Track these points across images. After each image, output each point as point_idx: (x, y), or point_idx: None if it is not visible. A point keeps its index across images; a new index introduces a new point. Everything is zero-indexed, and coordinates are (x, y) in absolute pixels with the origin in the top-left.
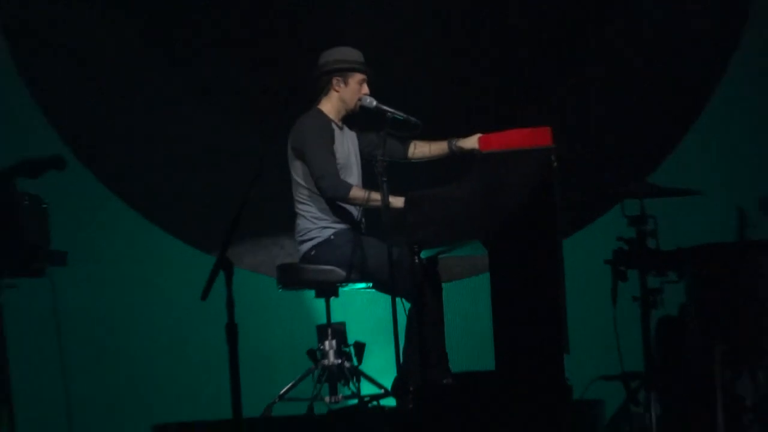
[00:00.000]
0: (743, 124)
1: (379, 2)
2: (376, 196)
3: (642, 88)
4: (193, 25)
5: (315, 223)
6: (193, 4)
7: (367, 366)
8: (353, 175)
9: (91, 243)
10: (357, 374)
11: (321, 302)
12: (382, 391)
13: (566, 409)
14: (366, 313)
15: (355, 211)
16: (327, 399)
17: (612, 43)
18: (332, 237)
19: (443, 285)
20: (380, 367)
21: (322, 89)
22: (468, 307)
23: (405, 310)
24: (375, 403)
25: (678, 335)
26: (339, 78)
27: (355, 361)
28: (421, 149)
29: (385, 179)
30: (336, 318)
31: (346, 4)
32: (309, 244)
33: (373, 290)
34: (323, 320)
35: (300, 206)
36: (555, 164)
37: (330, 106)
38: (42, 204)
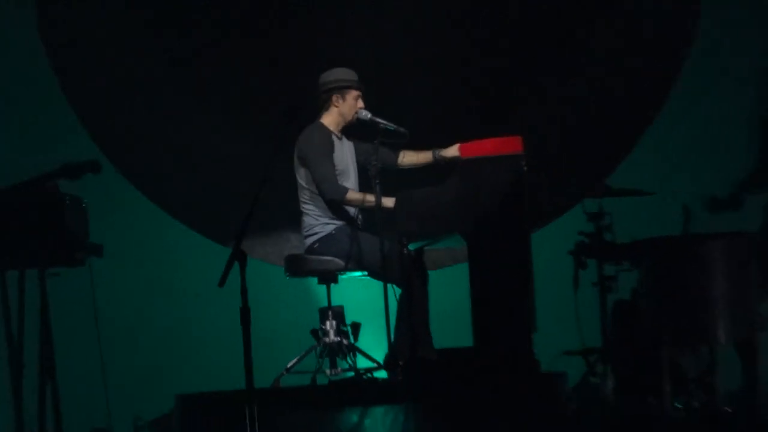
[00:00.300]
0: (690, 131)
1: (379, 7)
2: (370, 197)
3: (601, 99)
4: (217, 46)
5: (318, 220)
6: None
7: (363, 343)
8: (350, 180)
9: (124, 236)
10: (353, 350)
11: (323, 288)
12: (376, 365)
13: (534, 380)
14: (362, 297)
15: (352, 210)
16: (328, 372)
17: (577, 60)
18: (333, 232)
19: (429, 273)
20: (374, 344)
21: (323, 105)
22: (450, 292)
23: (395, 295)
24: (369, 375)
25: (631, 316)
26: (338, 95)
27: (352, 339)
28: (409, 158)
29: (378, 182)
30: (335, 302)
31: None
32: (313, 238)
33: (368, 278)
34: (324, 303)
35: (304, 206)
36: (525, 168)
37: (330, 119)
38: (82, 203)
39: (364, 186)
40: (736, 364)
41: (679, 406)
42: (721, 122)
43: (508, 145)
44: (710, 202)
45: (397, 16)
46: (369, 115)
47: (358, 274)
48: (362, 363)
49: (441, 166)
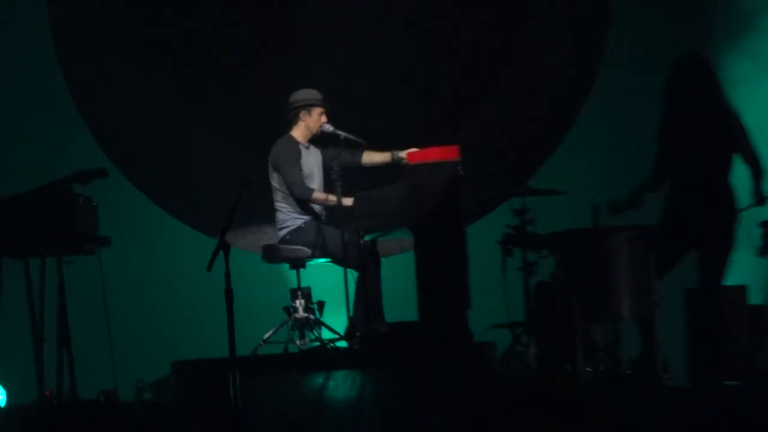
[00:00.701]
0: (599, 142)
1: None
2: (332, 197)
3: (526, 111)
4: (204, 67)
5: (289, 216)
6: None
7: (326, 318)
8: (315, 182)
9: (127, 230)
10: (319, 324)
11: (293, 272)
12: (337, 336)
13: (468, 348)
14: (325, 279)
15: (317, 207)
16: (297, 342)
17: (507, 80)
18: (302, 225)
19: (381, 259)
20: (336, 319)
21: (292, 120)
22: (399, 276)
23: (354, 278)
24: (332, 345)
25: (549, 296)
26: (305, 111)
27: (317, 315)
28: (370, 157)
29: (339, 184)
30: (304, 283)
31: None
32: (285, 231)
33: (331, 264)
34: (294, 285)
35: (277, 204)
36: (461, 172)
37: (299, 132)
38: (93, 202)
39: (328, 187)
40: (637, 336)
41: (590, 370)
42: (626, 133)
43: (448, 152)
44: (611, 205)
45: (362, 35)
46: (331, 128)
47: (322, 260)
48: (326, 335)
49: (398, 165)
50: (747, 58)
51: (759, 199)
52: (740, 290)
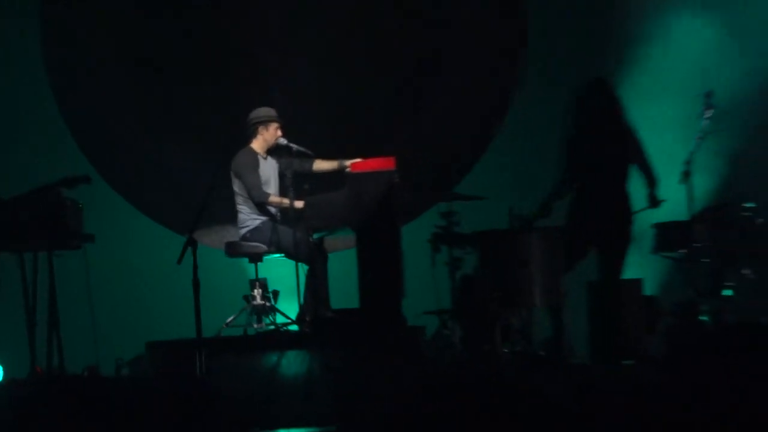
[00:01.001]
0: (516, 151)
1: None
2: (286, 200)
3: (453, 127)
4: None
5: (248, 217)
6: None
7: (280, 305)
8: (271, 188)
9: (108, 228)
10: (274, 310)
11: (252, 266)
12: (290, 320)
13: (402, 332)
14: (280, 272)
15: (272, 209)
16: (255, 326)
17: (436, 101)
18: (259, 225)
19: (328, 255)
20: (288, 306)
21: (251, 134)
22: (343, 268)
23: (304, 271)
24: (285, 328)
25: (472, 286)
26: (263, 127)
27: (273, 302)
28: (320, 165)
29: (291, 189)
30: (261, 275)
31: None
32: (245, 230)
33: (284, 258)
34: (253, 276)
35: (238, 206)
36: (396, 180)
37: (257, 144)
38: (78, 204)
39: (282, 192)
40: (546, 321)
41: (506, 350)
42: (539, 145)
43: (386, 163)
44: (522, 221)
45: (311, 63)
46: (285, 141)
47: (277, 255)
48: (280, 319)
49: (342, 174)
50: (645, 78)
51: (653, 203)
52: (635, 283)
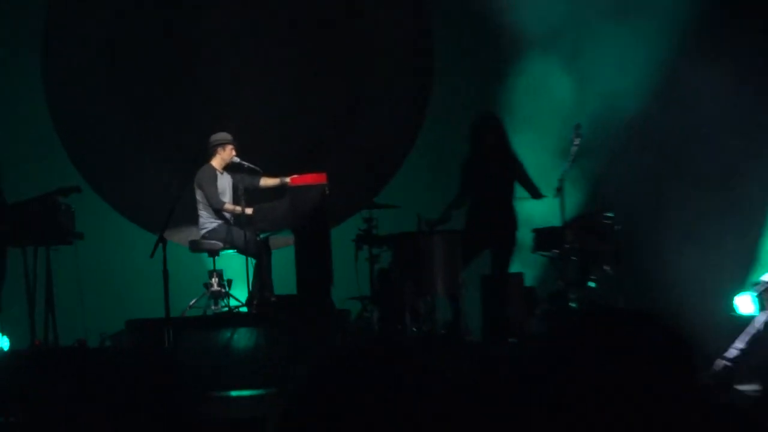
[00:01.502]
0: (424, 170)
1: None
2: (238, 207)
3: (374, 147)
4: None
5: (207, 220)
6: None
7: (233, 291)
8: (227, 197)
9: (94, 227)
10: (228, 295)
11: (210, 259)
12: (240, 304)
13: (330, 313)
14: (233, 264)
15: (227, 214)
16: (213, 308)
17: (359, 124)
18: (216, 227)
19: (272, 251)
20: (240, 292)
21: (211, 153)
22: (284, 261)
23: (252, 264)
24: (237, 310)
25: (388, 278)
26: (220, 148)
27: (227, 289)
28: (266, 182)
29: (243, 199)
30: (218, 267)
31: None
32: (204, 230)
33: (236, 253)
34: (211, 268)
35: (200, 212)
36: (327, 192)
37: (216, 162)
38: (71, 208)
39: (235, 201)
40: (447, 307)
41: (414, 330)
42: (443, 164)
43: (318, 178)
44: (427, 224)
45: (261, 81)
46: (238, 160)
47: (230, 251)
48: (233, 303)
49: (284, 186)
50: (526, 110)
51: (535, 196)
52: (519, 276)
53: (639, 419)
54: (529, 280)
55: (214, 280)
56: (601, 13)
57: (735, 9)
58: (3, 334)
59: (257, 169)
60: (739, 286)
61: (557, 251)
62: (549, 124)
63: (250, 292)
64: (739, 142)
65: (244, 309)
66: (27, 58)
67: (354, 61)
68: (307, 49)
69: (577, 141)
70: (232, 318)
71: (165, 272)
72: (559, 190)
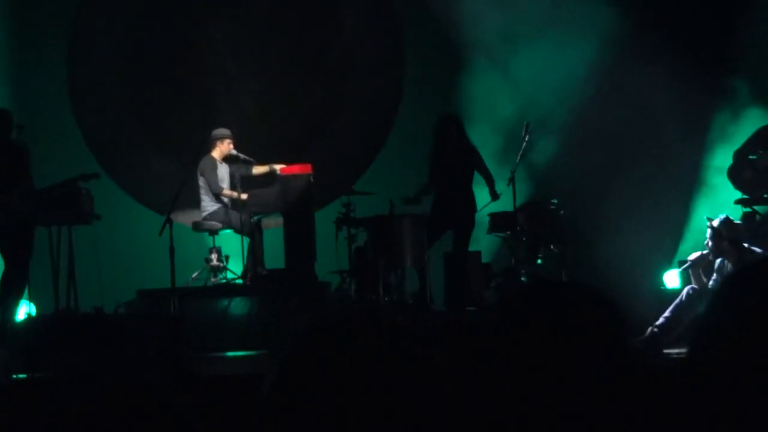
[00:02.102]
0: (396, 159)
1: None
2: (235, 193)
3: (351, 141)
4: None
5: (208, 203)
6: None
7: (230, 265)
8: (225, 183)
9: (110, 209)
10: (225, 269)
11: (211, 237)
12: (236, 276)
13: (314, 285)
14: (230, 241)
15: (225, 199)
16: (212, 280)
17: (338, 123)
18: (216, 209)
19: (264, 230)
20: (236, 266)
21: (212, 146)
22: (274, 240)
23: (247, 242)
24: (233, 282)
25: (364, 255)
26: (220, 141)
27: (225, 263)
28: (257, 170)
29: (240, 186)
30: (217, 244)
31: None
32: (205, 213)
33: (233, 233)
34: (211, 245)
35: (201, 196)
36: (312, 180)
37: (216, 153)
38: (90, 192)
39: (232, 187)
40: (415, 279)
41: (387, 299)
42: (413, 156)
43: (305, 168)
44: (404, 200)
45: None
46: (235, 152)
47: (228, 231)
48: (230, 276)
49: (274, 175)
50: (484, 108)
51: (493, 197)
52: (477, 254)
53: (574, 377)
54: (485, 257)
55: (214, 256)
56: (544, 23)
57: (665, 14)
58: (30, 302)
59: (251, 159)
60: (668, 263)
61: (509, 233)
62: (502, 121)
63: (244, 266)
64: (672, 130)
65: (240, 281)
66: (52, 60)
67: (335, 67)
68: (295, 57)
69: (527, 137)
70: (229, 289)
71: (171, 248)
72: (511, 180)
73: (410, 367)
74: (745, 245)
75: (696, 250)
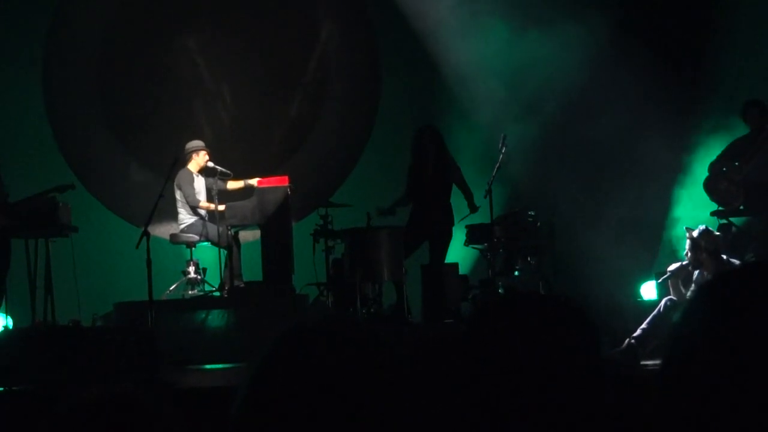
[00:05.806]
0: (373, 173)
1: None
2: (212, 205)
3: (329, 155)
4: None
5: (185, 216)
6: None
7: (208, 278)
8: (202, 196)
9: (87, 222)
10: (203, 282)
11: (188, 250)
12: (214, 289)
13: (291, 297)
14: (207, 254)
15: (202, 211)
16: (189, 292)
17: (316, 136)
18: (193, 222)
19: (241, 243)
20: (213, 279)
21: (188, 158)
22: (252, 253)
23: (224, 254)
24: (210, 294)
25: (341, 267)
26: (196, 153)
27: (202, 276)
28: (232, 184)
29: (216, 198)
30: (195, 257)
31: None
32: (183, 225)
33: (211, 245)
34: (188, 257)
35: (179, 209)
36: (289, 192)
37: (192, 166)
38: (67, 205)
39: (209, 199)
40: (392, 291)
41: (364, 312)
42: (390, 169)
43: (281, 180)
44: (379, 211)
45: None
46: (211, 164)
47: (205, 243)
48: (207, 288)
49: (251, 188)
50: (460, 122)
51: (472, 210)
52: (454, 266)
53: (547, 386)
54: (462, 269)
55: (191, 269)
56: (519, 35)
57: (644, 25)
58: (7, 314)
59: (228, 172)
60: (645, 275)
61: (486, 244)
62: (478, 133)
63: (222, 279)
64: (649, 141)
65: (217, 294)
66: (28, 73)
67: (312, 79)
68: (272, 69)
69: (503, 149)
70: (207, 301)
71: (148, 261)
72: (488, 192)
73: (381, 379)
74: (724, 257)
75: (673, 262)
